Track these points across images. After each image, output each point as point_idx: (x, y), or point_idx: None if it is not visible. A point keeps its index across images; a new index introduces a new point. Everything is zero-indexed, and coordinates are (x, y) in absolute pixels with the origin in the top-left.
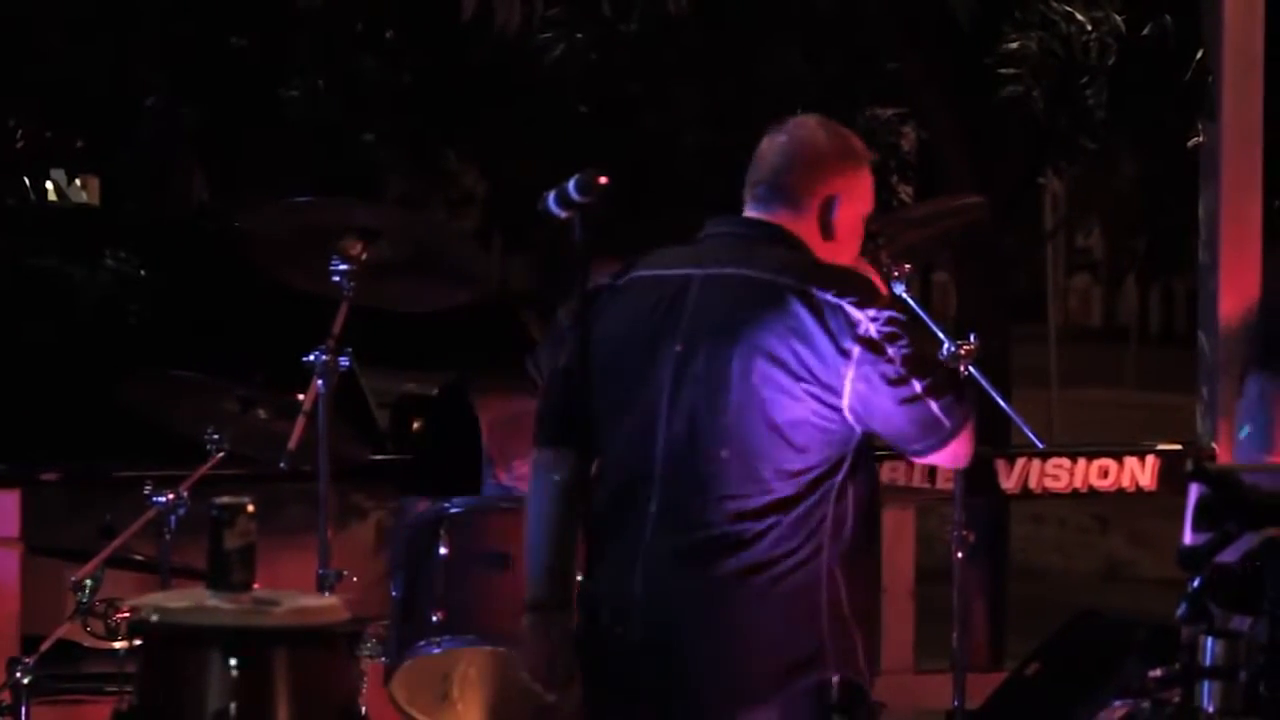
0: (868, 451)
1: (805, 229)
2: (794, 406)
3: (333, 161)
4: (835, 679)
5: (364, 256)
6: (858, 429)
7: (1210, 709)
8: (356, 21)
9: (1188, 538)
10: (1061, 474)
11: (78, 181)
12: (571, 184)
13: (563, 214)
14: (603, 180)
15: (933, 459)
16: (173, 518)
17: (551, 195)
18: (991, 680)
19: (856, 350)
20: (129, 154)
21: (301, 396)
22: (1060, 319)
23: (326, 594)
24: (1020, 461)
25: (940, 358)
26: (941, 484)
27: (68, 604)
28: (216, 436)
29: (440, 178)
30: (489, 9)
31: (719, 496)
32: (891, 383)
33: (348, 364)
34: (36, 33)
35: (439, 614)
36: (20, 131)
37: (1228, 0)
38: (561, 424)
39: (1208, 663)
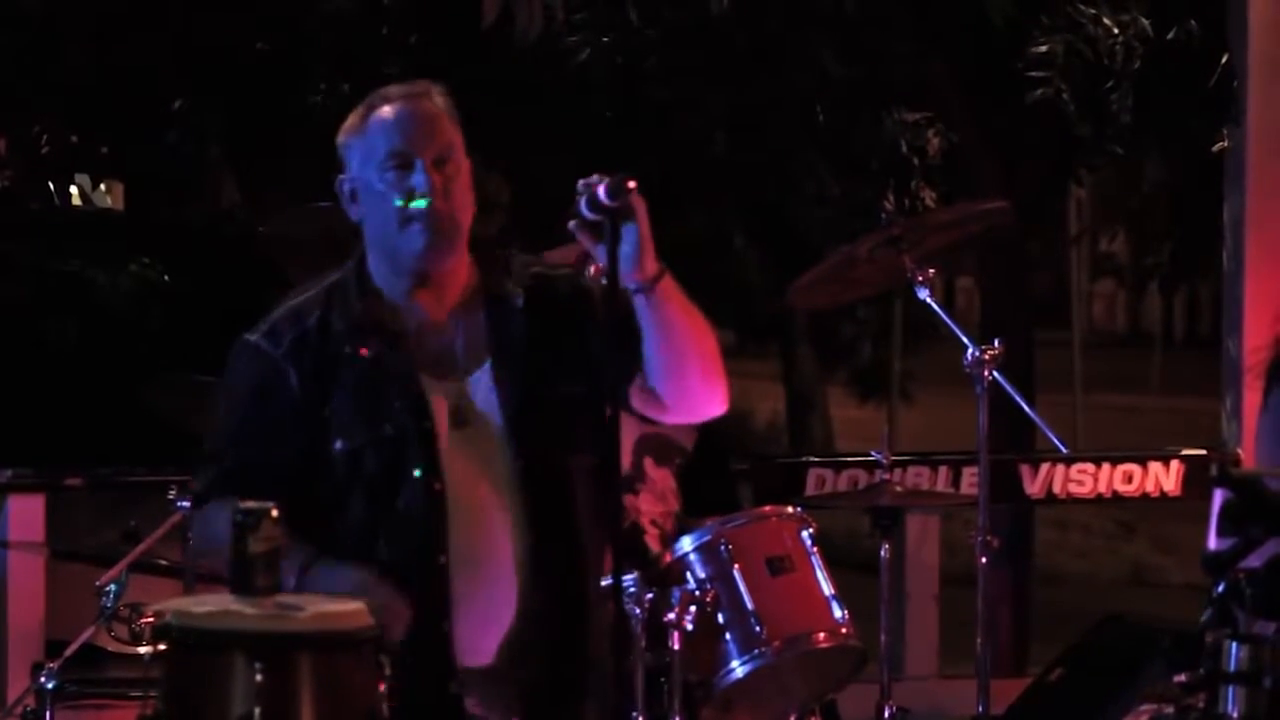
0: None
1: None
2: None
3: None
4: None
5: None
6: None
7: (1235, 714)
8: (381, 26)
9: (1212, 543)
10: (1086, 479)
11: (102, 186)
12: (602, 188)
13: (594, 218)
14: (632, 184)
15: None
16: None
17: (583, 200)
18: (1016, 686)
19: None
20: (154, 158)
21: None
22: (1085, 324)
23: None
24: (1044, 467)
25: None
26: (966, 489)
27: (92, 609)
28: None
29: None
30: (509, 15)
31: None
32: None
33: None
34: (61, 37)
35: None
36: (45, 136)
37: (1253, 4)
38: None
39: (1232, 668)
